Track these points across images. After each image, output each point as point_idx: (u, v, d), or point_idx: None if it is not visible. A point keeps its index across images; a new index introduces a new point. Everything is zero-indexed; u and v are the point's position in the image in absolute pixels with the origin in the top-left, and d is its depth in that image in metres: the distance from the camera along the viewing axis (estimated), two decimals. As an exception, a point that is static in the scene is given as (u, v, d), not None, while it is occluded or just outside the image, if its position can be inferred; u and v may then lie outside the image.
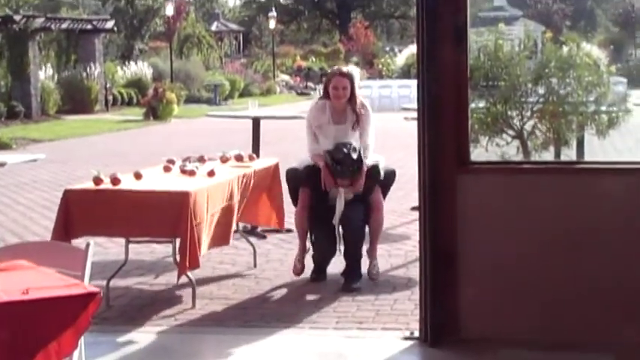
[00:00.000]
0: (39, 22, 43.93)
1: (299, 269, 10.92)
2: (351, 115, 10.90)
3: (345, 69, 11.52)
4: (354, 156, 10.49)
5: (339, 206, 10.60)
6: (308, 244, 10.96)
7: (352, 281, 10.57)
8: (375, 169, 10.78)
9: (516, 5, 59.25)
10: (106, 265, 10.65)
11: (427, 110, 8.36)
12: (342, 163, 10.50)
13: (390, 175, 11.10)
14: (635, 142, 10.82)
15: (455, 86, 8.38)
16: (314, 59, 67.86)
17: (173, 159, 11.14)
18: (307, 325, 9.33)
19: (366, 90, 44.79)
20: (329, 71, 12.17)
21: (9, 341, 5.37)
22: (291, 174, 11.03)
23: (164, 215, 9.58)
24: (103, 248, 11.14)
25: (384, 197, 11.03)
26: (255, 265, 11.60)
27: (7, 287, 5.58)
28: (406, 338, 8.70)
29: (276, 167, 11.74)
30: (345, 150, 10.50)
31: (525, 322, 8.24)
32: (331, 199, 10.69)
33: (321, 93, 11.39)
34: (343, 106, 10.91)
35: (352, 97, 10.87)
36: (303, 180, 10.87)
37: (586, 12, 64.48)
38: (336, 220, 10.63)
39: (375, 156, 10.98)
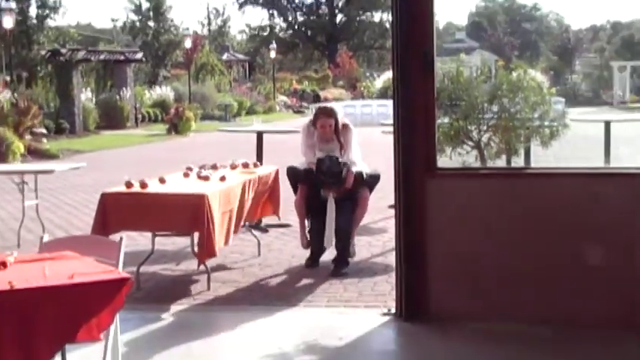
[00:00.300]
0: (81, 54, 44.03)
1: (306, 243, 11.05)
2: (336, 139, 10.95)
3: (329, 107, 11.51)
4: (336, 170, 10.64)
5: (331, 207, 10.67)
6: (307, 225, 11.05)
7: (341, 267, 10.58)
8: (360, 175, 10.75)
9: (474, 38, 59.46)
10: (137, 254, 10.57)
11: (401, 125, 8.40)
12: (325, 174, 10.67)
13: (376, 178, 11.00)
14: (571, 152, 10.81)
15: (424, 105, 8.38)
16: (307, 83, 67.83)
17: (191, 166, 11.14)
18: (303, 304, 9.33)
19: (350, 108, 44.87)
20: (318, 107, 11.80)
21: (57, 318, 5.40)
22: (291, 171, 11.07)
23: (184, 213, 9.61)
24: (133, 241, 11.10)
25: (370, 193, 10.99)
26: (259, 254, 11.60)
27: (55, 273, 5.63)
28: (384, 314, 8.71)
29: (276, 173, 11.72)
30: (328, 163, 10.68)
31: (482, 299, 8.25)
32: (322, 196, 10.75)
33: (312, 122, 11.23)
34: (329, 136, 10.96)
35: (336, 128, 10.91)
36: (302, 178, 10.91)
37: (531, 44, 64.63)
38: (329, 220, 10.63)
39: (359, 164, 10.95)
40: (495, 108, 10.44)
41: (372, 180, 11.01)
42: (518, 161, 10.97)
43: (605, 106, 42.98)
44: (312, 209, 10.97)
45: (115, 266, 6.17)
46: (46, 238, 6.80)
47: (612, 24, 61.64)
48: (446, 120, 10.11)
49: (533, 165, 10.93)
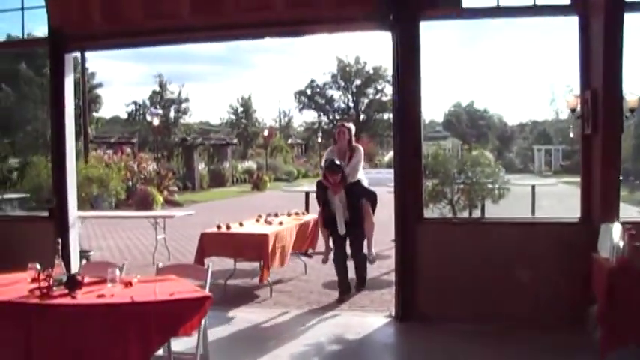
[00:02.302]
0: (199, 140, 44.58)
1: (325, 259, 9.61)
2: (349, 153, 9.36)
3: (346, 123, 9.76)
4: (336, 162, 9.08)
5: (337, 211, 9.22)
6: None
7: (361, 286, 9.66)
8: (358, 182, 9.26)
9: (447, 129, 59.12)
10: (225, 271, 10.23)
11: (400, 187, 8.01)
12: (327, 166, 9.17)
13: (373, 194, 9.35)
14: (512, 206, 10.18)
15: (414, 174, 7.99)
16: (341, 158, 67.60)
17: (261, 214, 10.81)
18: (333, 309, 8.80)
19: (369, 174, 44.58)
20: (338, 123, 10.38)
21: (163, 321, 5.10)
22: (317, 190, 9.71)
23: (254, 246, 9.24)
24: (224, 263, 10.60)
25: (373, 210, 9.32)
26: (305, 273, 11.09)
27: (162, 291, 5.37)
28: (387, 316, 8.20)
29: (316, 220, 11.15)
30: (330, 160, 9.20)
31: (455, 306, 7.80)
32: (332, 209, 9.32)
33: (332, 137, 9.93)
34: (345, 149, 9.39)
35: (350, 143, 9.42)
36: (319, 193, 9.55)
37: (482, 133, 64.00)
38: (338, 214, 9.22)
39: (361, 177, 9.40)
40: (462, 177, 9.91)
41: (370, 194, 9.35)
42: (476, 213, 10.39)
43: (530, 173, 42.42)
44: (332, 234, 9.37)
45: (203, 286, 5.86)
46: (161, 265, 6.46)
47: (532, 122, 61.40)
48: (429, 184, 9.57)
49: (486, 215, 10.33)
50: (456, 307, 7.75)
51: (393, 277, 9.21)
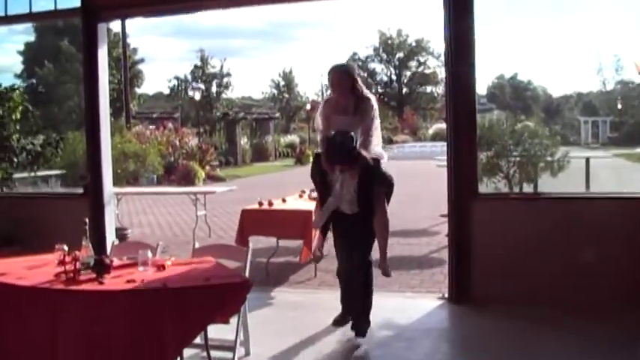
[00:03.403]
0: (241, 115, 44.51)
1: (316, 255, 7.03)
2: (353, 106, 6.07)
3: (340, 64, 6.27)
4: (348, 145, 5.88)
5: (335, 199, 6.19)
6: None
7: (359, 332, 6.33)
8: (377, 161, 6.07)
9: (491, 102, 58.22)
10: (268, 250, 9.79)
11: (453, 161, 7.37)
12: (333, 151, 5.99)
13: (389, 180, 6.13)
14: (564, 180, 9.51)
15: (469, 147, 7.36)
16: (384, 131, 66.70)
17: (305, 190, 10.23)
18: (381, 289, 8.07)
19: (413, 147, 44.22)
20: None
21: (199, 307, 4.62)
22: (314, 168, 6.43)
23: (297, 224, 8.72)
24: (267, 240, 10.14)
25: (388, 201, 6.12)
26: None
27: (196, 276, 4.89)
28: (439, 298, 7.62)
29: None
30: (337, 139, 5.91)
31: (511, 288, 7.16)
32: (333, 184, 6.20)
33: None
34: (346, 99, 6.06)
35: (354, 89, 6.08)
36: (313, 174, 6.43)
37: (527, 105, 62.77)
38: (334, 198, 6.19)
39: (379, 149, 6.23)
40: (519, 149, 9.29)
41: (386, 180, 6.13)
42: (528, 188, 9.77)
43: (576, 146, 41.44)
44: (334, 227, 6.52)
45: (243, 267, 5.44)
46: (197, 245, 6.05)
47: (577, 93, 60.25)
48: (484, 158, 8.99)
49: (538, 190, 9.72)
50: (513, 289, 7.15)
51: (443, 254, 8.71)
